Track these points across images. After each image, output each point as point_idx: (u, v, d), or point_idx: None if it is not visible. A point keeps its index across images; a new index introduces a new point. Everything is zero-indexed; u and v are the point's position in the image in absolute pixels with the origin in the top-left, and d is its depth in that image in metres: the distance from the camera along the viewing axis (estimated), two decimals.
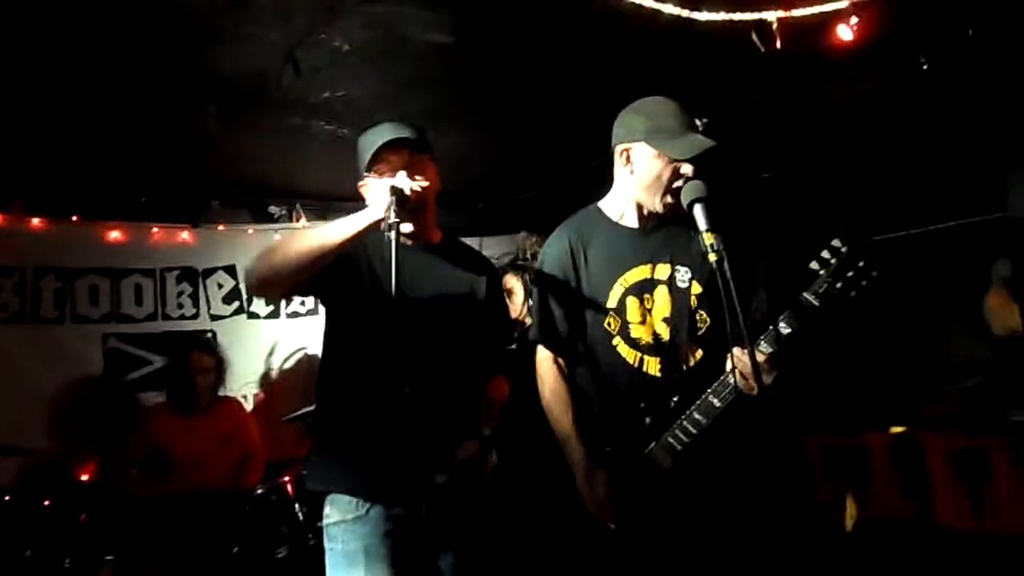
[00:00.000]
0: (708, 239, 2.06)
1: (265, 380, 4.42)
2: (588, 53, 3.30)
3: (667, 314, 2.17)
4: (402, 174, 1.96)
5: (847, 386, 4.32)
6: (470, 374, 2.27)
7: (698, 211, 2.12)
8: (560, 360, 2.28)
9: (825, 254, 2.01)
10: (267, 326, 4.47)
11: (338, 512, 2.00)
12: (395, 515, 1.98)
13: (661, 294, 2.19)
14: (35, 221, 3.98)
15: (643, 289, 2.18)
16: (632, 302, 2.17)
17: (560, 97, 3.77)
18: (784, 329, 2.04)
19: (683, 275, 2.19)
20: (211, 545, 3.18)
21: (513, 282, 3.84)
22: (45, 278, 3.96)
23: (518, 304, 3.81)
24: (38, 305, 3.93)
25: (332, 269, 2.00)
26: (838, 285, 2.00)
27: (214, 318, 4.36)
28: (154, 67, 3.03)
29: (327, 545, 2.01)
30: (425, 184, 1.99)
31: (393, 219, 1.82)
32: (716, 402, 2.06)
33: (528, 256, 3.97)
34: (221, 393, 3.94)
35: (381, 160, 2.06)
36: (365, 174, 2.10)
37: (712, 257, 2.02)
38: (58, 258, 4.01)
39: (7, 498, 3.58)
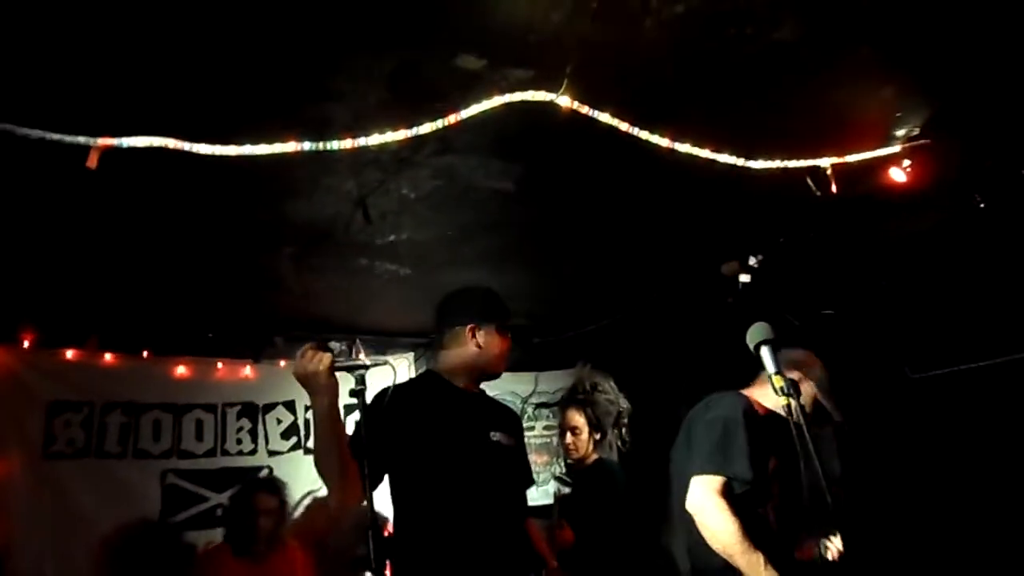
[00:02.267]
0: (778, 382, 2.05)
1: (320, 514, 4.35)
2: (643, 197, 3.40)
3: None
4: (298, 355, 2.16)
5: None
6: (523, 514, 2.50)
7: (765, 353, 2.12)
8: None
9: None
10: None
11: None
12: None
13: None
14: (107, 357, 4.11)
15: None
16: None
17: (614, 237, 3.86)
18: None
19: None
20: None
21: (578, 418, 3.79)
22: (112, 413, 4.04)
23: (584, 440, 3.76)
24: (103, 440, 3.99)
25: (383, 449, 2.22)
26: None
27: (271, 454, 4.38)
28: (234, 214, 3.19)
29: None
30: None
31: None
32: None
33: (588, 388, 3.92)
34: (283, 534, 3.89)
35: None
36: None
37: (783, 401, 2.01)
38: (126, 393, 4.09)
39: None
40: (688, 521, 2.51)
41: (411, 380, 2.56)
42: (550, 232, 3.71)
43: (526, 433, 5.12)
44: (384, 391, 2.35)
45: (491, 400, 2.61)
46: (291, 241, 3.50)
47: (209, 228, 3.30)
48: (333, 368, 2.08)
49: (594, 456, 3.76)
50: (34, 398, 3.88)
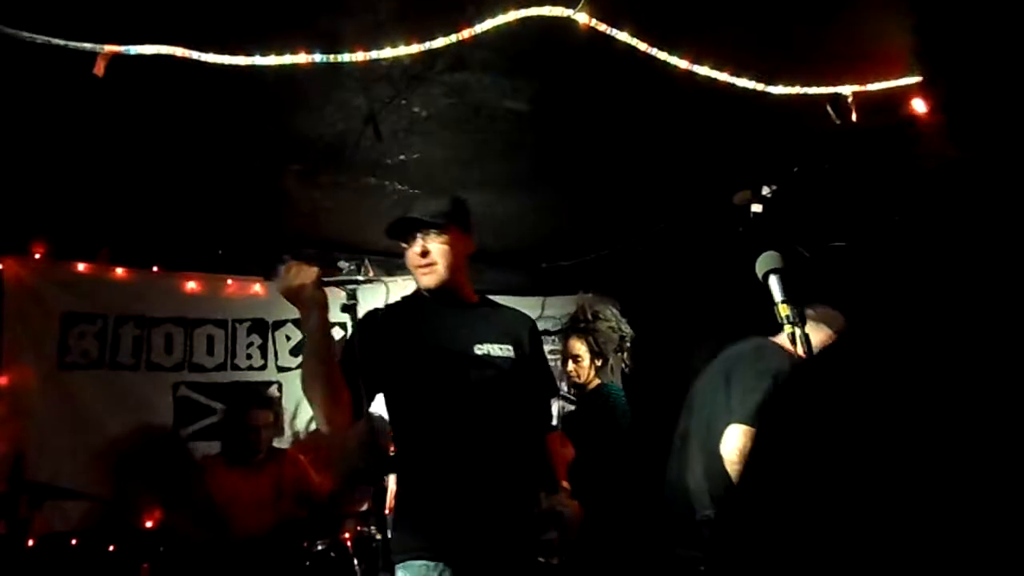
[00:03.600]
0: (783, 310, 2.06)
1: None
2: (657, 121, 3.34)
3: None
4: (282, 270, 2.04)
5: None
6: (528, 428, 2.35)
7: (773, 282, 2.12)
8: None
9: None
10: None
11: None
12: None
13: None
14: (119, 271, 4.14)
15: None
16: None
17: (628, 163, 3.81)
18: None
19: None
20: None
21: (579, 346, 3.84)
22: (125, 326, 4.09)
23: (585, 368, 3.81)
24: (116, 352, 4.05)
25: (376, 367, 2.17)
26: None
27: (281, 369, 4.44)
28: (242, 128, 3.17)
29: None
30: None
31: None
32: None
33: (589, 317, 3.95)
34: (280, 445, 3.99)
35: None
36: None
37: (788, 329, 2.02)
38: (138, 307, 4.14)
39: (74, 542, 3.67)
40: (715, 457, 2.56)
41: (404, 297, 2.42)
42: (562, 155, 3.66)
43: None
44: (376, 309, 2.33)
45: (493, 311, 2.44)
46: (299, 158, 3.47)
47: (217, 142, 3.28)
48: (321, 283, 2.00)
49: (596, 381, 3.82)
50: (48, 309, 3.92)
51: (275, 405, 4.03)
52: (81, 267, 4.06)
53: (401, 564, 2.07)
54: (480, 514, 2.09)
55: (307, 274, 1.99)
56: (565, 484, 2.41)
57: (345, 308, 2.08)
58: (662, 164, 3.86)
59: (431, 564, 2.02)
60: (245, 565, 3.25)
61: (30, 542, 3.41)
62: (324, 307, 2.02)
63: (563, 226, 4.77)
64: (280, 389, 4.39)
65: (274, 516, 3.63)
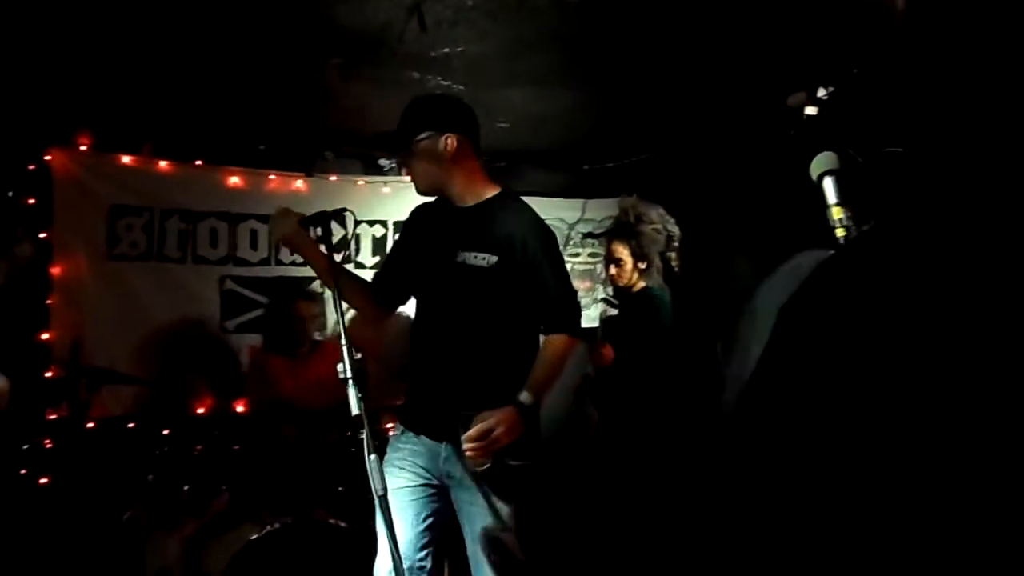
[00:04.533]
0: (836, 213, 2.00)
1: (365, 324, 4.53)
2: (712, 14, 3.19)
3: None
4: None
5: None
6: (508, 333, 2.42)
7: (828, 184, 2.06)
8: None
9: None
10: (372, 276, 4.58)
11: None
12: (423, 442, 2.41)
13: None
14: (162, 164, 4.16)
15: None
16: None
17: (678, 63, 3.66)
18: None
19: None
20: (317, 483, 3.31)
21: (621, 250, 3.79)
22: (171, 219, 4.15)
23: (627, 271, 3.77)
24: (163, 245, 4.13)
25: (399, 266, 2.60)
26: None
27: None
28: (282, 19, 3.09)
29: None
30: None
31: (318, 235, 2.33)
32: None
33: (632, 220, 3.88)
34: (321, 338, 4.08)
35: None
36: None
37: (840, 232, 1.96)
38: (183, 200, 4.18)
39: (131, 425, 3.84)
40: None
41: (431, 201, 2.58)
42: (611, 50, 3.52)
43: (571, 260, 5.20)
44: (417, 207, 2.64)
45: (486, 215, 2.43)
46: (340, 50, 3.39)
47: (259, 34, 3.21)
48: (303, 224, 2.33)
49: (640, 284, 3.79)
50: (96, 201, 3.99)
51: (319, 299, 4.09)
52: (126, 159, 4.09)
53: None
54: (439, 408, 2.36)
55: (284, 224, 2.36)
56: (527, 394, 2.33)
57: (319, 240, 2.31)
58: (713, 62, 3.70)
59: (400, 428, 2.50)
60: (292, 450, 3.37)
61: (89, 424, 3.58)
62: (311, 245, 2.35)
63: (607, 126, 4.65)
64: (322, 285, 4.44)
65: (320, 408, 3.73)
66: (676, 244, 3.83)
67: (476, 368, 2.36)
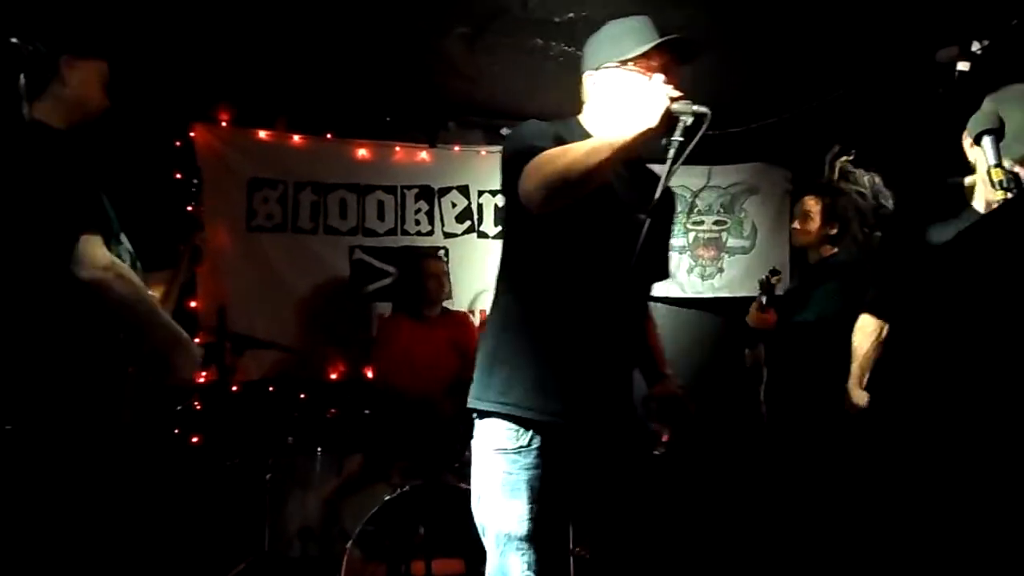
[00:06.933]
0: (996, 175, 1.84)
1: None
2: None
3: None
4: (670, 88, 1.72)
5: None
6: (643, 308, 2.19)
7: (987, 143, 1.91)
8: None
9: None
10: (496, 246, 4.58)
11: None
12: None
13: None
14: (296, 138, 4.31)
15: None
16: None
17: (811, 25, 3.45)
18: None
19: None
20: (444, 447, 3.39)
21: (812, 204, 3.48)
22: (304, 191, 4.30)
23: (813, 230, 3.46)
24: (296, 216, 4.29)
25: None
26: None
27: (447, 235, 4.56)
28: None
29: None
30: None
31: (678, 138, 1.69)
32: None
33: (835, 176, 3.62)
34: (450, 307, 4.15)
35: (648, 57, 1.90)
36: (617, 65, 1.93)
37: (999, 195, 1.81)
38: (314, 173, 4.32)
39: (271, 389, 4.05)
40: None
41: None
42: (741, 8, 3.36)
43: (695, 228, 5.06)
44: None
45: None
46: (465, 19, 3.40)
47: (383, 5, 3.25)
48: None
49: (828, 250, 3.47)
50: (236, 174, 4.18)
51: (445, 262, 4.15)
52: (262, 134, 4.26)
53: (485, 418, 1.90)
54: (589, 385, 1.86)
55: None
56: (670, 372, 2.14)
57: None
58: (852, 15, 3.46)
59: (519, 431, 1.84)
60: (423, 412, 3.45)
61: (234, 388, 3.80)
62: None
63: (733, 90, 4.46)
64: (447, 255, 4.52)
65: (449, 374, 3.78)
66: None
67: (629, 345, 2.06)
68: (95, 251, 1.87)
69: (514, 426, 1.84)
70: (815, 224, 3.45)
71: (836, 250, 3.47)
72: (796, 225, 3.56)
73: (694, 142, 1.72)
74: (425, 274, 3.91)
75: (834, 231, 3.45)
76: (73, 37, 2.11)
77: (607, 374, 1.91)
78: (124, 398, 2.01)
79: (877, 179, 3.54)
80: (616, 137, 1.71)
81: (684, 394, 2.11)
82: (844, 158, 3.61)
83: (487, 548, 1.90)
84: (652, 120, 1.68)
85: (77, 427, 1.91)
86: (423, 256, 4.08)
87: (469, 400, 1.93)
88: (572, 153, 1.74)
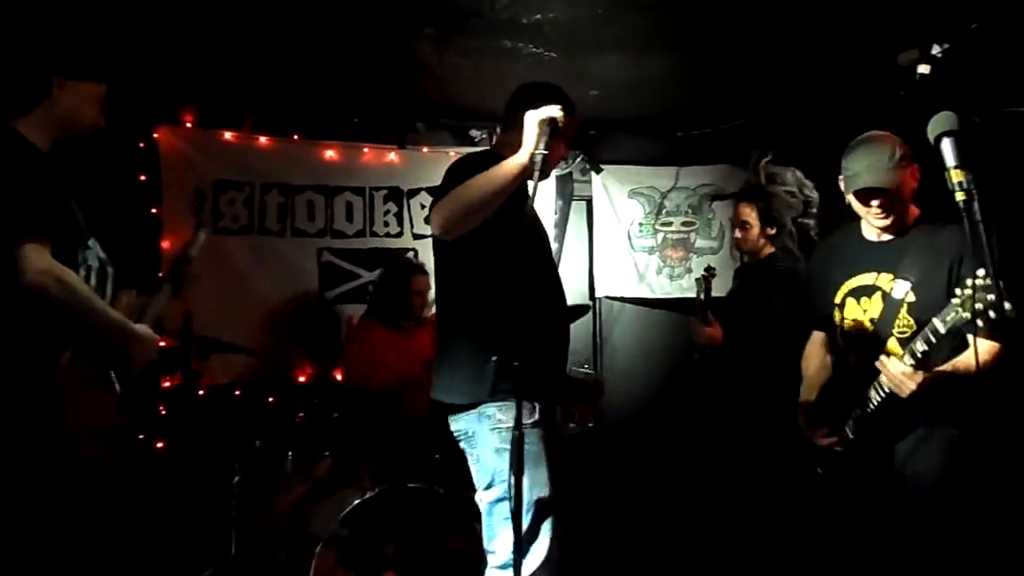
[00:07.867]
0: (956, 177, 1.87)
1: None
2: None
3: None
4: (555, 107, 2.12)
5: None
6: None
7: (947, 145, 1.94)
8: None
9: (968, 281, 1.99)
10: None
11: None
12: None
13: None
14: (262, 139, 4.27)
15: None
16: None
17: (774, 27, 3.50)
18: (920, 347, 2.20)
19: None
20: (416, 451, 3.37)
21: (748, 212, 3.57)
22: (270, 193, 4.26)
23: (753, 236, 3.57)
24: (263, 218, 4.25)
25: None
26: (966, 315, 2.00)
27: (416, 237, 4.55)
28: None
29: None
30: None
31: (542, 150, 2.07)
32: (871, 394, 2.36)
33: (763, 180, 3.68)
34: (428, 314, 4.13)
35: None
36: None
37: (959, 196, 1.84)
38: (281, 174, 4.28)
39: (238, 393, 4.01)
40: None
41: None
42: (705, 11, 3.39)
43: (663, 229, 5.09)
44: None
45: None
46: (433, 20, 3.39)
47: (351, 5, 3.24)
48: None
49: (768, 250, 3.58)
50: (202, 176, 4.13)
51: (430, 275, 4.09)
52: (228, 135, 4.22)
53: (499, 403, 2.23)
54: (556, 367, 2.44)
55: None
56: None
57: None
58: (814, 19, 3.51)
59: (533, 407, 2.26)
60: (393, 417, 3.44)
61: (200, 392, 3.75)
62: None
63: (700, 92, 4.51)
64: (416, 256, 4.50)
65: (421, 382, 3.75)
66: (814, 210, 3.59)
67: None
68: (33, 256, 1.88)
69: (529, 404, 2.21)
70: (755, 231, 3.57)
71: (773, 249, 3.60)
72: (737, 234, 3.68)
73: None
74: (412, 291, 3.85)
75: (773, 232, 3.56)
76: (66, 57, 2.14)
77: (561, 359, 2.48)
78: (60, 399, 1.98)
79: (798, 173, 3.65)
80: (513, 167, 2.16)
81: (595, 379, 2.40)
82: (764, 160, 3.68)
83: (495, 526, 2.23)
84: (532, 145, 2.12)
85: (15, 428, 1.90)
86: (411, 271, 3.95)
87: (472, 396, 2.25)
88: (474, 190, 2.21)
